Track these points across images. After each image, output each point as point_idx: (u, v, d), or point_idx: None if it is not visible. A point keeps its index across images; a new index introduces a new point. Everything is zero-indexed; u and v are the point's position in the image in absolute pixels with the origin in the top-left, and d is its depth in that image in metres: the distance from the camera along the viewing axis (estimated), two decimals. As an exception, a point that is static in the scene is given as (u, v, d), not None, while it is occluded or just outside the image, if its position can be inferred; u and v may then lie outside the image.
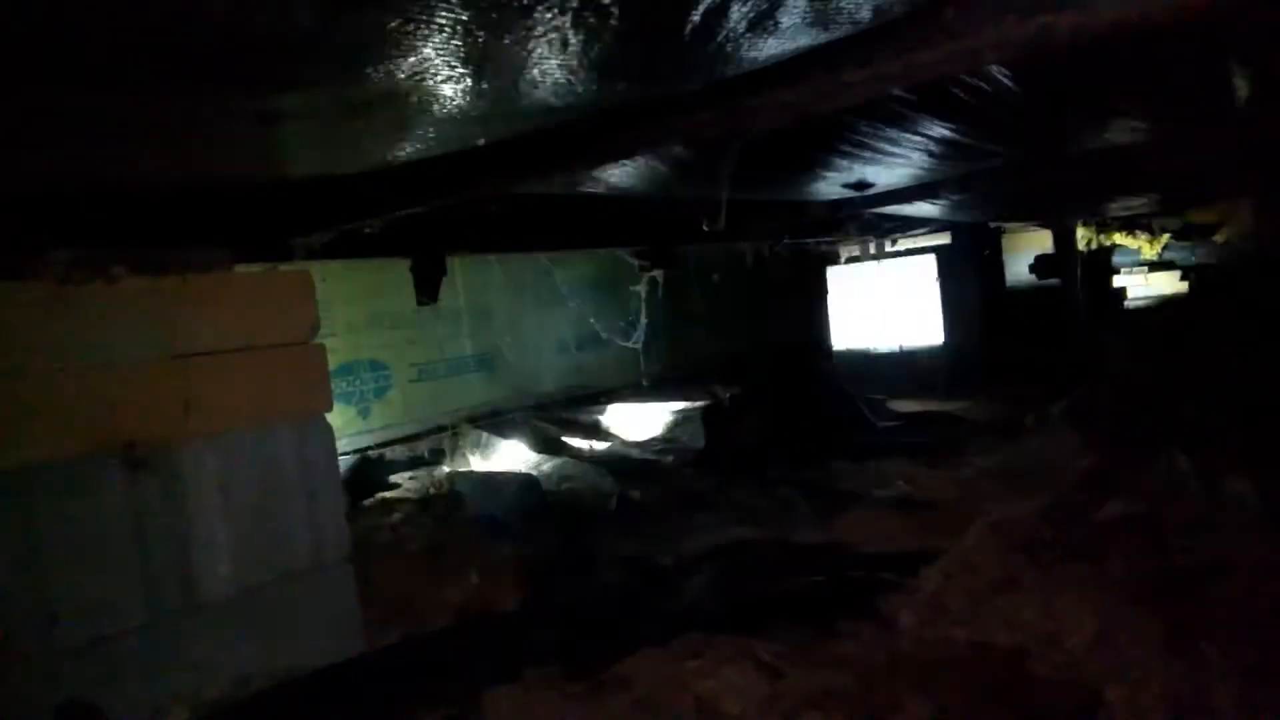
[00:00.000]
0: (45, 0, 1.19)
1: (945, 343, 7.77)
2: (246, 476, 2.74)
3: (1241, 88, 2.88)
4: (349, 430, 5.62)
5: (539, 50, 1.57)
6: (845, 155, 3.52)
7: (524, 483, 5.07)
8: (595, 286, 7.89)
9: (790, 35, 1.69)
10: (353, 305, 5.81)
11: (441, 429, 6.37)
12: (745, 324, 9.61)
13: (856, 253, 8.55)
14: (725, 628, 2.73)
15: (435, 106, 1.86)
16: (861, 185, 4.35)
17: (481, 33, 1.46)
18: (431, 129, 2.11)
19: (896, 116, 2.97)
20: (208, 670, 2.57)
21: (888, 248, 8.87)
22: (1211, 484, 3.12)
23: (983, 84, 2.65)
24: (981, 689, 2.26)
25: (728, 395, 6.73)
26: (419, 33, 1.42)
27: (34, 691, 2.29)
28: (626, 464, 5.55)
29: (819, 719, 2.20)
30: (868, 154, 3.51)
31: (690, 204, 4.31)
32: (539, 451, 6.07)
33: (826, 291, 8.62)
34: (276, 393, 2.82)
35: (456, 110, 1.90)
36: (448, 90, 1.74)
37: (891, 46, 1.80)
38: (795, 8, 1.55)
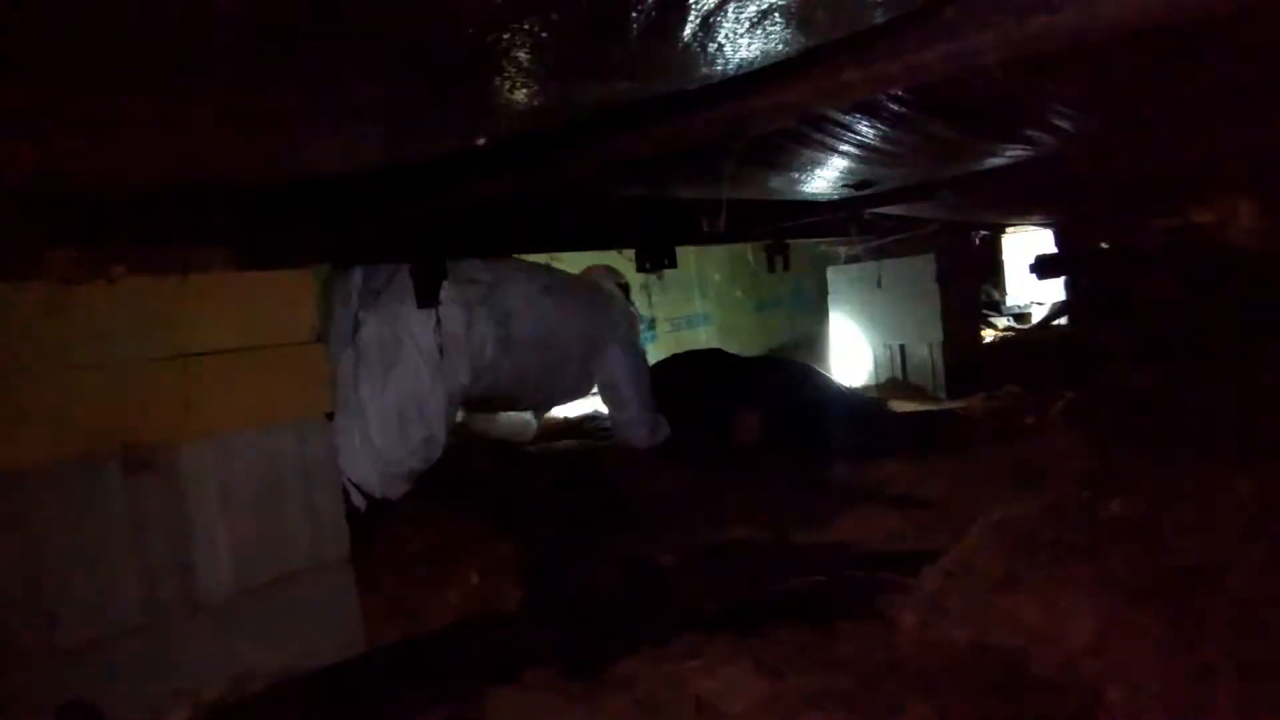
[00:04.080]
0: None
1: (945, 342, 7.76)
2: (246, 476, 2.74)
3: (1242, 86, 2.88)
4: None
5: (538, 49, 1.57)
6: (845, 155, 3.52)
7: (523, 481, 5.06)
8: (595, 286, 7.89)
9: (790, 35, 1.68)
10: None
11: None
12: (745, 323, 9.61)
13: (857, 252, 8.53)
14: (725, 627, 2.72)
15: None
16: (861, 185, 4.35)
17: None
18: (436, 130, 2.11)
19: (897, 116, 2.97)
20: (207, 670, 2.57)
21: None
22: (1211, 484, 3.12)
23: (983, 83, 2.65)
24: (981, 689, 2.25)
25: (724, 390, 6.69)
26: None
27: (34, 691, 2.29)
28: (626, 462, 5.54)
29: (819, 719, 2.20)
30: (868, 154, 3.50)
31: (690, 204, 4.31)
32: (538, 451, 6.06)
33: (827, 291, 8.62)
34: (277, 393, 2.83)
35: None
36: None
37: (891, 46, 1.80)
38: (795, 7, 1.55)
